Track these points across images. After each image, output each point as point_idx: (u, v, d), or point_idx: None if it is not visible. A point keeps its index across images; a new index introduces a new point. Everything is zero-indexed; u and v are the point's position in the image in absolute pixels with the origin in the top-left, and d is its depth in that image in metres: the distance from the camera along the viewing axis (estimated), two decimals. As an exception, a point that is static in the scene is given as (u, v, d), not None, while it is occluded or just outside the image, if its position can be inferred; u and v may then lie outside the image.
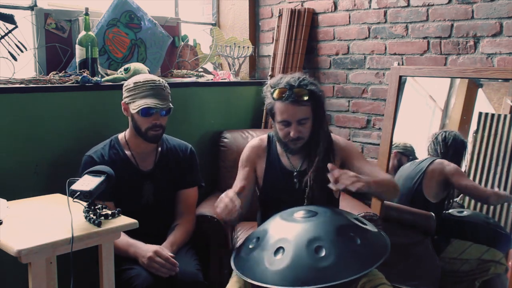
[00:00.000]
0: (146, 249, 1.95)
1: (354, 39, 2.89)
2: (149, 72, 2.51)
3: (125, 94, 2.10)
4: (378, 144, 2.75)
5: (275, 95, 1.89)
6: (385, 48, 2.76)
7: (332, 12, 2.98)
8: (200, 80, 2.95)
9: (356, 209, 2.35)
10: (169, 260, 1.93)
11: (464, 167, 2.46)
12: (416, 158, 2.63)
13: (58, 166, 2.25)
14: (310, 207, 1.74)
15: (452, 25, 2.50)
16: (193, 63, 3.12)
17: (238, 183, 1.97)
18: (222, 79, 3.10)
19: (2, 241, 1.49)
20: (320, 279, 1.45)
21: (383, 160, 2.64)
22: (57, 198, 1.97)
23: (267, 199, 2.05)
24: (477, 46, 2.43)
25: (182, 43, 3.09)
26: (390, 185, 1.91)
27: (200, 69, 3.15)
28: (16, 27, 2.15)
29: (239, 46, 3.15)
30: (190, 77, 2.96)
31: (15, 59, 2.19)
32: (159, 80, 2.09)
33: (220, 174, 2.84)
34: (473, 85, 2.46)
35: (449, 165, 2.48)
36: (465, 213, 2.45)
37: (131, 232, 2.02)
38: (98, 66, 2.48)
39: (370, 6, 2.79)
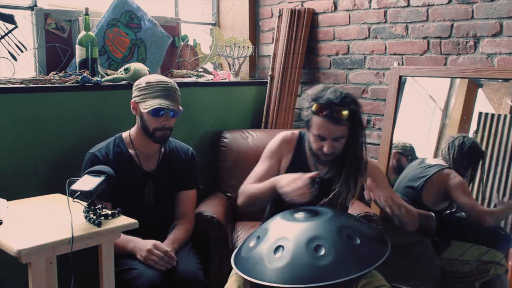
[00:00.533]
0: (144, 243, 1.97)
1: (354, 39, 2.89)
2: (149, 72, 2.51)
3: (135, 93, 2.10)
4: (378, 144, 2.75)
5: (314, 108, 1.83)
6: (385, 48, 2.76)
7: (332, 12, 2.98)
8: (200, 80, 2.95)
9: (356, 209, 2.35)
10: (167, 253, 1.95)
11: (478, 178, 2.38)
12: (416, 158, 2.63)
13: (58, 166, 2.25)
14: (311, 208, 1.74)
15: (452, 25, 2.50)
16: (193, 63, 3.12)
17: (262, 172, 1.98)
18: (222, 79, 3.10)
19: (2, 241, 1.49)
20: (319, 278, 1.45)
21: (383, 160, 2.64)
22: (57, 198, 1.97)
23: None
24: (477, 46, 2.43)
25: (182, 43, 3.09)
26: (415, 218, 1.93)
27: (200, 69, 3.15)
28: (16, 27, 2.15)
29: (239, 46, 3.15)
30: (190, 77, 2.96)
31: (15, 59, 2.19)
32: (171, 82, 2.10)
33: (220, 174, 2.84)
34: (473, 85, 2.46)
35: (455, 178, 2.41)
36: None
37: (131, 232, 2.03)
38: (98, 66, 2.48)
39: (370, 6, 2.79)
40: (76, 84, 2.29)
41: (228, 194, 2.76)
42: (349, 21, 2.90)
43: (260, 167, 2.03)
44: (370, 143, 2.87)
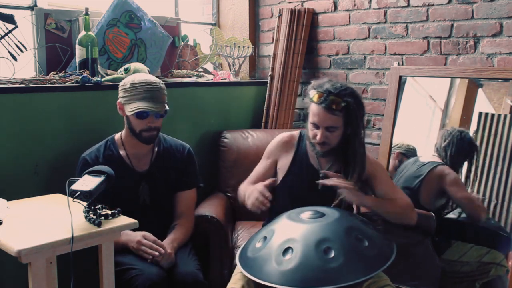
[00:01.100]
0: (134, 235, 1.99)
1: (354, 39, 2.89)
2: (149, 72, 2.51)
3: (121, 94, 2.09)
4: (378, 144, 2.75)
5: (312, 96, 1.91)
6: (385, 48, 2.76)
7: (332, 12, 2.98)
8: (200, 80, 2.95)
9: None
10: (156, 242, 1.97)
11: (474, 172, 2.39)
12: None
13: (58, 166, 2.24)
14: (317, 208, 1.73)
15: (452, 25, 2.50)
16: (193, 63, 3.12)
17: (258, 171, 2.09)
18: (222, 79, 3.10)
19: (2, 241, 1.49)
20: (329, 280, 1.44)
21: (383, 160, 2.64)
22: (57, 198, 1.97)
23: (285, 194, 2.04)
24: (477, 46, 2.43)
25: (182, 43, 3.09)
26: (397, 210, 1.97)
27: (200, 69, 3.15)
28: (16, 27, 2.15)
29: (239, 46, 3.15)
30: (190, 77, 2.96)
31: (15, 59, 2.19)
32: (155, 82, 2.07)
33: (220, 174, 2.84)
34: (473, 85, 2.46)
35: (449, 174, 2.43)
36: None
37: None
38: (98, 66, 2.48)
39: (370, 6, 2.79)
40: (76, 84, 2.29)
41: (228, 194, 2.76)
42: (349, 21, 2.90)
43: (257, 167, 2.11)
44: (370, 143, 2.87)
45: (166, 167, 2.20)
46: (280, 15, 3.09)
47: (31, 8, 2.47)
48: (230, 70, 3.19)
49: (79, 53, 2.40)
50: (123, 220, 1.70)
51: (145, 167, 2.17)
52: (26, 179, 2.17)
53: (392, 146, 2.66)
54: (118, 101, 2.10)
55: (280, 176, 2.06)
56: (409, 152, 2.67)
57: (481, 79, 2.41)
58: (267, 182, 1.87)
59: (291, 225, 1.65)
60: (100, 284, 1.68)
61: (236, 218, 2.67)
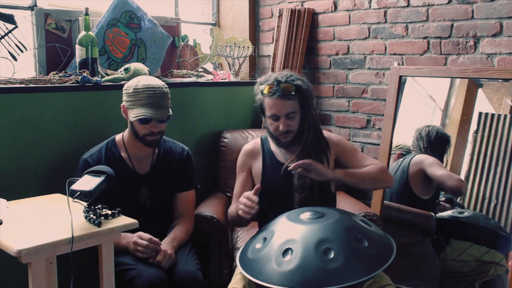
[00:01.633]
0: (131, 236, 1.99)
1: (354, 39, 2.89)
2: (149, 72, 2.51)
3: (124, 97, 2.09)
4: (378, 144, 2.75)
5: (263, 90, 1.97)
6: (385, 48, 2.76)
7: (332, 12, 2.98)
8: (200, 80, 2.95)
9: (356, 209, 2.35)
10: (151, 240, 1.97)
11: (445, 160, 2.52)
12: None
13: (58, 166, 2.24)
14: (317, 209, 1.73)
15: (452, 25, 2.50)
16: (193, 63, 3.12)
17: (238, 188, 2.12)
18: (222, 79, 3.10)
19: (2, 241, 1.49)
20: (329, 281, 1.44)
21: (383, 160, 2.64)
22: (57, 198, 1.97)
23: (267, 196, 2.06)
24: (477, 46, 2.43)
25: (182, 43, 3.09)
26: (371, 176, 1.98)
27: (200, 69, 3.15)
28: (16, 27, 2.15)
29: (239, 46, 3.15)
30: (190, 77, 2.96)
31: (15, 59, 2.19)
32: (158, 87, 2.06)
33: (220, 174, 2.84)
34: (473, 85, 2.46)
35: (428, 158, 2.53)
36: (466, 214, 2.45)
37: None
38: (98, 66, 2.48)
39: (370, 6, 2.79)
40: (76, 84, 2.29)
41: (228, 194, 2.76)
42: (349, 21, 2.90)
43: (236, 185, 2.15)
44: (370, 143, 2.87)
45: (166, 169, 2.20)
46: (280, 15, 3.09)
47: (31, 8, 2.47)
48: (230, 70, 3.19)
49: (79, 53, 2.40)
50: (123, 220, 1.70)
51: (146, 169, 2.17)
52: (26, 179, 2.17)
53: (393, 146, 2.67)
54: (122, 104, 2.10)
55: (258, 182, 2.09)
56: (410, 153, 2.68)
57: (481, 79, 2.41)
58: (254, 189, 1.91)
59: (290, 226, 1.65)
60: (100, 284, 1.68)
61: (236, 218, 2.67)
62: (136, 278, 1.87)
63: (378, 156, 2.70)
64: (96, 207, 1.69)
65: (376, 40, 2.79)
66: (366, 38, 2.83)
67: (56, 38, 2.51)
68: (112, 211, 1.71)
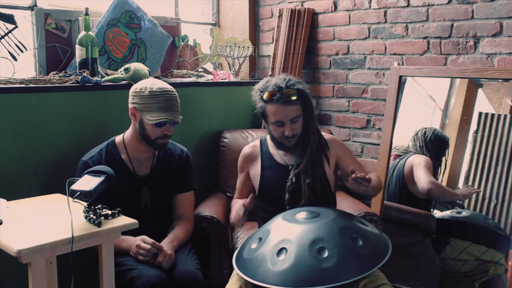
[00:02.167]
0: (134, 240, 1.99)
1: (354, 39, 2.89)
2: (149, 72, 2.51)
3: (136, 99, 2.05)
4: (378, 144, 2.75)
5: (265, 97, 1.97)
6: (385, 48, 2.76)
7: (332, 12, 2.98)
8: (200, 80, 2.95)
9: (356, 209, 2.35)
10: (154, 245, 1.97)
11: (445, 163, 2.52)
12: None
13: (58, 166, 2.24)
14: (313, 208, 1.74)
15: (452, 25, 2.50)
16: (193, 63, 3.12)
17: (238, 184, 2.22)
18: (222, 79, 3.10)
19: (2, 241, 1.49)
20: (323, 280, 1.45)
21: (383, 160, 2.64)
22: (57, 198, 1.97)
23: (266, 197, 2.10)
24: (477, 46, 2.43)
25: (182, 43, 3.09)
26: (377, 187, 2.03)
27: (200, 69, 3.15)
28: (16, 27, 2.15)
29: (239, 46, 3.15)
30: (190, 77, 2.96)
31: (15, 59, 2.19)
32: (172, 91, 2.09)
33: (220, 174, 2.84)
34: (473, 85, 2.46)
35: (419, 158, 2.54)
36: (465, 213, 2.45)
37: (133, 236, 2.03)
38: (98, 66, 2.48)
39: (370, 6, 2.79)
40: (76, 84, 2.29)
41: (228, 194, 2.76)
42: (349, 21, 2.90)
43: (237, 183, 2.24)
44: (370, 143, 2.87)
45: (166, 170, 2.20)
46: (280, 15, 3.09)
47: (31, 8, 2.47)
48: (230, 70, 3.19)
49: (79, 53, 2.40)
50: (123, 220, 1.70)
51: (146, 171, 2.17)
52: (26, 179, 2.17)
53: (393, 146, 2.67)
54: (133, 106, 2.07)
55: (256, 184, 2.13)
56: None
57: (481, 79, 2.41)
58: (246, 201, 1.98)
59: (286, 225, 1.66)
60: (100, 284, 1.68)
61: (236, 218, 2.67)
62: (137, 278, 1.87)
63: (378, 156, 2.70)
64: (96, 207, 1.69)
65: (376, 40, 2.79)
66: (366, 38, 2.83)
67: (56, 38, 2.51)
68: (112, 211, 1.71)
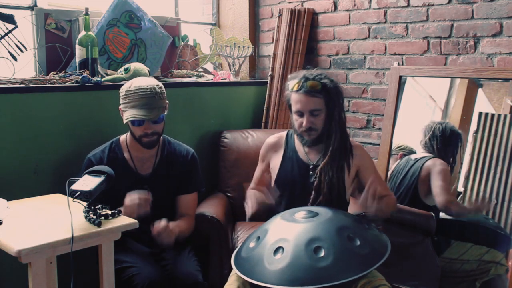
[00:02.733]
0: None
1: (354, 39, 2.89)
2: (149, 72, 2.51)
3: (120, 99, 2.09)
4: (378, 144, 2.75)
5: (291, 86, 1.99)
6: (385, 48, 2.76)
7: (332, 12, 2.98)
8: (200, 80, 2.95)
9: (356, 209, 2.35)
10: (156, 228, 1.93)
11: (461, 160, 2.44)
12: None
13: (58, 166, 2.25)
14: (312, 208, 1.74)
15: (452, 25, 2.50)
16: (193, 63, 3.12)
17: (256, 173, 2.20)
18: (222, 79, 3.10)
19: (2, 241, 1.49)
20: (318, 279, 1.45)
21: (383, 160, 2.64)
22: (57, 198, 1.97)
23: (281, 192, 2.05)
24: (477, 46, 2.43)
25: (182, 43, 3.09)
26: (386, 212, 1.94)
27: (200, 69, 3.15)
28: (16, 27, 2.15)
29: (239, 46, 3.15)
30: (190, 77, 2.96)
31: (15, 59, 2.19)
32: (150, 88, 2.02)
33: (220, 174, 2.84)
34: (473, 85, 2.46)
35: (439, 165, 2.46)
36: (465, 213, 2.45)
37: (131, 237, 2.02)
38: (98, 66, 2.48)
39: (370, 6, 2.79)
40: (76, 84, 2.29)
41: (228, 194, 2.76)
42: (349, 21, 2.90)
43: (256, 171, 2.22)
44: (370, 143, 2.87)
45: (169, 171, 2.19)
46: (280, 15, 3.09)
47: (31, 8, 2.47)
48: (230, 70, 3.19)
49: (79, 53, 2.40)
50: (123, 220, 1.70)
51: (149, 171, 2.16)
52: (26, 179, 2.17)
53: (395, 147, 2.67)
54: (120, 106, 2.10)
55: (274, 175, 2.11)
56: (412, 154, 2.67)
57: (481, 79, 2.41)
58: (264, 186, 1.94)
59: (284, 225, 1.66)
60: (100, 284, 1.68)
61: (236, 218, 2.67)
62: (136, 276, 1.87)
63: (378, 156, 2.70)
64: (96, 207, 1.69)
65: (376, 40, 2.79)
66: (366, 38, 2.83)
67: (56, 38, 2.51)
68: (112, 211, 1.71)
